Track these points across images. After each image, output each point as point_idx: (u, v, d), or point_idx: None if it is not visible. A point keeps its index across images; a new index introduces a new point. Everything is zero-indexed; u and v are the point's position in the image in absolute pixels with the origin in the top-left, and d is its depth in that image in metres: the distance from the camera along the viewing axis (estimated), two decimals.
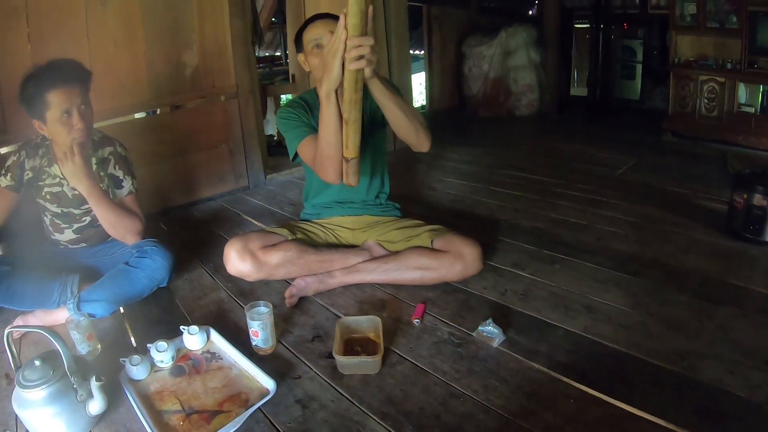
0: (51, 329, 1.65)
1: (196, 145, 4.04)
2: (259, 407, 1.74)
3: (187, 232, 3.54)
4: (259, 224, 3.53)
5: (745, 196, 2.79)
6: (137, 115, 3.97)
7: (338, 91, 2.02)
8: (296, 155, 2.52)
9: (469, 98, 7.37)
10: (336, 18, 2.36)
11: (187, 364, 1.99)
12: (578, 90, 8.04)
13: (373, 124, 2.54)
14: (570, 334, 2.08)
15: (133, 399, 1.78)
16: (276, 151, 4.83)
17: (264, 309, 2.05)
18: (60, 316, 2.29)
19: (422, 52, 7.43)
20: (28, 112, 2.27)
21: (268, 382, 1.82)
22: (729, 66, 4.83)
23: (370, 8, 1.77)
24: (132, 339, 2.15)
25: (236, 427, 1.65)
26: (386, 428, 1.65)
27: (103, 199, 2.37)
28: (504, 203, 3.66)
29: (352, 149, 2.07)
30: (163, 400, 1.81)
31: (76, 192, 2.40)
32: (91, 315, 2.22)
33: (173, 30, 3.74)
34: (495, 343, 2.02)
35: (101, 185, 2.42)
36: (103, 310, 2.33)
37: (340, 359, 1.90)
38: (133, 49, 3.56)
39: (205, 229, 3.55)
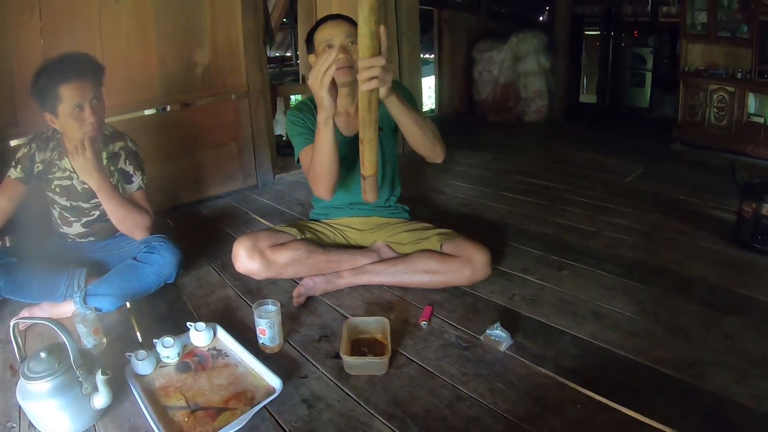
0: (58, 321, 1.65)
1: (205, 143, 4.06)
2: (264, 405, 1.73)
3: (195, 229, 3.54)
4: (267, 223, 3.53)
5: (754, 205, 2.78)
6: (147, 112, 3.99)
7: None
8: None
9: (479, 103, 7.36)
10: (348, 19, 2.38)
11: (193, 361, 1.99)
12: (587, 97, 8.03)
13: (392, 130, 2.55)
14: (577, 340, 2.07)
15: (138, 394, 1.78)
16: (285, 151, 4.82)
17: (272, 307, 2.05)
18: (66, 309, 2.29)
19: (432, 55, 7.43)
20: (39, 104, 2.27)
21: (274, 381, 1.82)
22: (739, 75, 4.80)
23: (382, 28, 1.76)
24: (138, 334, 2.14)
25: (241, 425, 1.64)
26: (392, 429, 1.64)
27: (112, 194, 2.37)
28: (512, 208, 3.65)
29: (368, 167, 2.06)
30: (168, 395, 1.81)
31: (86, 186, 2.40)
32: (97, 309, 2.22)
33: (186, 28, 3.75)
34: (502, 347, 2.01)
35: (111, 180, 2.42)
36: (110, 304, 2.34)
37: (348, 359, 1.90)
38: (146, 46, 3.57)
39: (213, 227, 3.56)
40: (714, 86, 5.02)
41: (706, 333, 2.09)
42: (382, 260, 2.55)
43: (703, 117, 5.16)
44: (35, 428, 1.68)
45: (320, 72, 2.00)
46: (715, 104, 5.03)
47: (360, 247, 2.70)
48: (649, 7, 7.25)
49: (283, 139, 5.46)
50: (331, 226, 2.73)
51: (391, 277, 2.50)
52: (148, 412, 1.68)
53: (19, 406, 1.71)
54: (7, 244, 2.79)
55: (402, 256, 2.54)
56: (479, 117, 7.32)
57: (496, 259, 2.67)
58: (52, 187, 2.48)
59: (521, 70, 6.93)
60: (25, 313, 2.30)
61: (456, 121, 7.09)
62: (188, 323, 2.11)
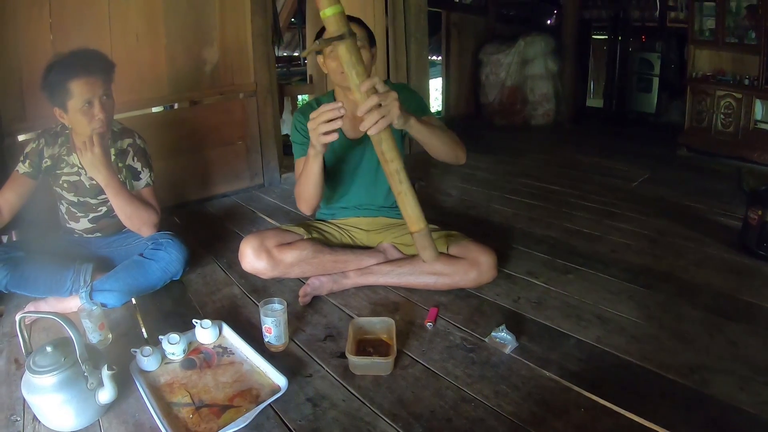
0: (64, 316, 1.65)
1: (212, 141, 4.06)
2: (269, 404, 1.74)
3: (201, 227, 3.55)
4: (273, 222, 3.54)
5: (760, 212, 2.77)
6: (155, 109, 3.99)
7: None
8: None
9: (485, 106, 7.36)
10: (359, 22, 2.37)
11: (198, 358, 1.99)
12: (594, 101, 8.04)
13: (398, 134, 2.55)
14: (582, 344, 2.07)
15: (143, 390, 1.78)
16: (291, 151, 4.82)
17: (278, 306, 2.05)
18: (72, 304, 2.30)
19: (440, 57, 7.43)
20: (49, 99, 2.28)
21: (279, 379, 1.82)
22: (746, 82, 4.79)
23: (367, 82, 1.75)
24: (143, 330, 2.15)
25: (246, 423, 1.64)
26: (396, 429, 1.64)
27: (120, 190, 2.38)
28: (519, 211, 3.65)
29: (414, 221, 1.98)
30: (173, 392, 1.82)
31: (94, 182, 2.41)
32: (103, 304, 2.22)
33: (195, 26, 3.76)
34: (507, 350, 2.01)
35: (119, 176, 2.43)
36: (116, 300, 2.34)
37: (353, 359, 1.90)
38: (155, 44, 3.59)
39: (220, 225, 3.56)
40: (721, 92, 5.01)
41: (711, 339, 2.09)
42: (388, 261, 2.56)
43: (709, 123, 5.14)
44: (39, 422, 1.68)
45: (322, 125, 1.97)
46: (722, 110, 5.01)
47: (366, 248, 2.70)
48: (657, 12, 7.25)
49: (290, 138, 5.45)
50: (338, 226, 2.74)
51: (396, 278, 2.50)
52: (152, 408, 1.68)
53: (24, 400, 1.71)
54: (14, 239, 2.80)
55: (408, 258, 2.54)
56: (486, 120, 7.33)
57: (502, 262, 2.68)
58: (60, 182, 2.49)
59: (528, 73, 6.95)
60: (30, 307, 2.30)
61: (462, 123, 7.08)
62: (194, 320, 2.11)
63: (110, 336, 2.16)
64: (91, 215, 2.57)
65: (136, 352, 1.91)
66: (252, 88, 4.16)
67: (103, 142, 2.31)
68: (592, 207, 3.69)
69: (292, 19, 8.55)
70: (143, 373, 1.89)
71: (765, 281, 2.57)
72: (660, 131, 6.39)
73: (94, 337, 2.09)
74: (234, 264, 2.73)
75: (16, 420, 1.73)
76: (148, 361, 1.90)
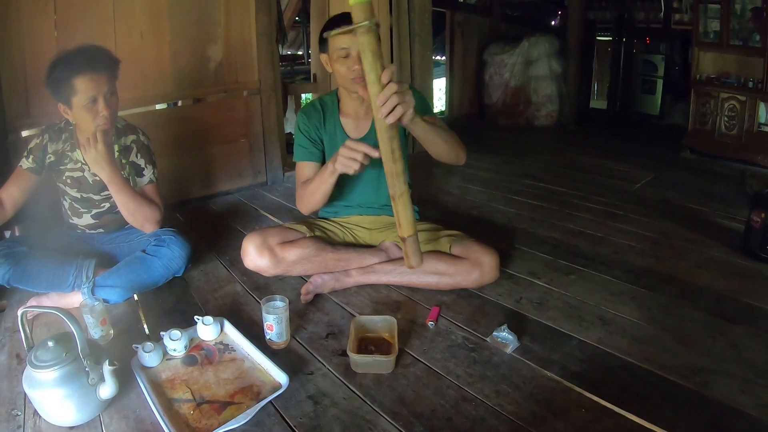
0: (66, 311, 1.65)
1: (216, 138, 4.07)
2: (270, 401, 1.74)
3: (203, 224, 3.55)
4: (276, 220, 3.54)
5: (763, 215, 2.76)
6: (159, 106, 3.99)
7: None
8: None
9: (489, 106, 7.34)
10: None
11: (199, 354, 1.99)
12: (598, 102, 8.03)
13: (401, 133, 2.56)
14: (584, 345, 2.07)
15: (144, 386, 1.78)
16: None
17: (280, 303, 2.05)
18: (74, 299, 2.31)
19: (443, 57, 7.42)
20: (53, 95, 2.28)
21: (280, 376, 1.82)
22: (751, 85, 4.77)
23: (386, 72, 1.72)
24: (145, 326, 2.15)
25: (247, 419, 1.65)
26: (397, 428, 1.64)
27: (123, 187, 2.38)
28: (521, 212, 3.65)
29: (405, 227, 1.95)
30: (174, 388, 1.82)
31: (97, 178, 2.41)
32: (105, 300, 2.23)
33: (199, 23, 3.76)
34: (509, 350, 2.01)
35: (122, 173, 2.43)
36: (118, 296, 2.35)
37: (354, 357, 1.90)
38: (159, 41, 3.59)
39: (222, 223, 3.57)
40: (725, 95, 4.99)
41: (712, 341, 2.09)
42: (390, 260, 2.56)
43: (713, 125, 5.13)
44: (40, 417, 1.69)
45: (353, 161, 2.12)
46: (726, 113, 5.00)
47: (369, 246, 2.70)
48: (662, 13, 7.24)
49: (293, 138, 5.46)
50: (341, 225, 2.74)
51: (398, 277, 2.50)
52: (153, 404, 1.69)
53: (25, 394, 1.71)
54: (17, 234, 2.80)
55: None
56: (489, 120, 7.31)
57: (505, 262, 2.68)
58: (64, 178, 2.49)
59: (532, 74, 6.93)
60: (33, 302, 2.31)
61: (466, 123, 7.06)
62: (196, 317, 2.11)
63: (112, 332, 2.16)
64: (94, 211, 2.57)
65: (137, 347, 1.92)
66: (256, 86, 4.16)
67: (107, 139, 2.31)
68: (594, 208, 3.69)
69: (297, 18, 8.57)
70: (144, 369, 1.89)
71: (767, 284, 2.57)
72: (663, 133, 6.38)
73: (95, 333, 2.10)
74: (236, 261, 2.74)
75: (17, 414, 1.73)
76: (149, 357, 1.90)
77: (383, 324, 2.09)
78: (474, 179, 4.45)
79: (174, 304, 2.46)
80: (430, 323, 2.21)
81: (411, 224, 1.95)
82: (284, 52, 8.64)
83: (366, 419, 1.69)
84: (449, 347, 2.07)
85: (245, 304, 2.45)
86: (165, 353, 1.97)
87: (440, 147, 2.24)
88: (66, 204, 2.59)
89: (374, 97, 1.73)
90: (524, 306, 2.38)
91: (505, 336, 2.04)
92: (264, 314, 2.02)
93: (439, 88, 7.66)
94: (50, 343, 1.64)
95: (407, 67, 5.15)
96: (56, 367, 1.60)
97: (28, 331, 1.72)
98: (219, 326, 2.12)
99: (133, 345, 1.94)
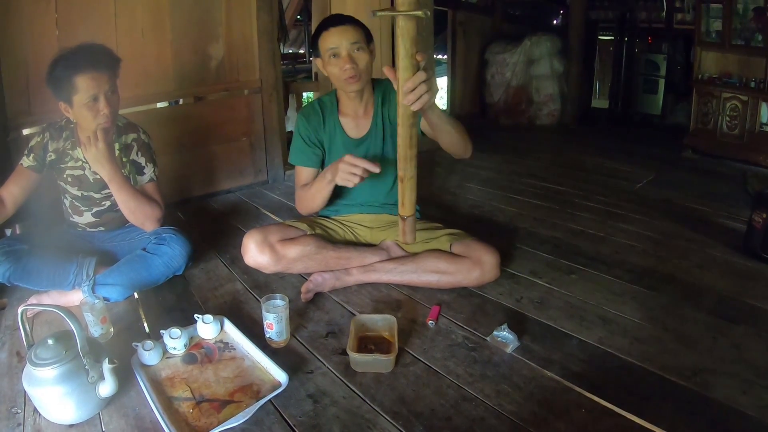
0: (66, 309, 1.65)
1: (217, 137, 4.07)
2: (270, 399, 1.74)
3: (204, 222, 3.55)
4: (277, 218, 3.54)
5: (764, 215, 2.75)
6: (160, 105, 4.00)
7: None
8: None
9: (491, 105, 7.35)
10: (353, 22, 2.36)
11: (199, 353, 1.99)
12: (599, 102, 8.03)
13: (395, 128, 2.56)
14: (584, 345, 2.07)
15: (144, 384, 1.78)
16: None
17: (280, 302, 2.05)
18: (74, 297, 2.31)
19: (445, 56, 7.42)
20: (54, 94, 2.28)
21: (280, 375, 1.82)
22: (752, 85, 4.77)
23: (419, 57, 1.70)
24: (145, 324, 2.15)
25: (246, 418, 1.64)
26: (397, 427, 1.64)
27: (124, 185, 2.38)
28: (523, 211, 3.65)
29: (408, 207, 2.01)
30: (174, 386, 1.82)
31: (98, 176, 2.42)
32: (105, 298, 2.23)
33: (200, 22, 3.76)
34: (509, 349, 2.01)
35: (123, 171, 2.43)
36: (118, 294, 2.35)
37: (354, 356, 1.90)
38: (160, 39, 3.59)
39: (223, 221, 3.57)
40: (727, 95, 4.99)
41: (714, 342, 2.08)
42: (391, 259, 2.56)
43: (715, 125, 5.13)
44: (40, 414, 1.69)
45: (350, 175, 2.21)
46: (728, 113, 5.00)
47: (369, 245, 2.69)
48: (664, 13, 7.23)
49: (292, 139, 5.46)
50: (341, 223, 2.74)
51: (399, 276, 2.50)
52: (153, 403, 1.69)
53: (25, 392, 1.71)
54: (17, 232, 2.80)
55: (411, 256, 2.53)
56: (491, 119, 7.31)
57: (505, 262, 2.67)
58: (64, 176, 2.49)
59: (534, 73, 6.93)
60: (33, 300, 2.31)
61: (468, 123, 6.94)
62: (196, 315, 2.11)
63: (112, 330, 2.16)
64: (95, 209, 2.57)
65: (137, 346, 1.92)
66: (257, 84, 4.16)
67: (108, 137, 2.31)
68: (596, 208, 3.68)
69: (298, 17, 8.57)
70: (144, 367, 1.89)
71: None
72: (665, 133, 6.38)
73: (95, 331, 2.10)
74: (237, 260, 2.74)
75: (17, 412, 1.73)
76: (149, 355, 1.90)
77: (383, 323, 2.09)
78: (475, 178, 4.45)
79: (174, 302, 2.46)
80: (431, 322, 2.21)
81: (413, 205, 2.00)
82: (285, 51, 8.64)
83: (366, 418, 1.69)
84: (449, 346, 2.07)
85: (245, 303, 2.44)
86: (165, 351, 1.97)
87: (452, 136, 2.23)
88: (67, 202, 2.59)
89: (403, 82, 1.72)
90: (525, 305, 2.38)
91: (505, 335, 2.04)
92: (264, 313, 2.02)
93: (441, 87, 7.65)
94: (50, 341, 1.64)
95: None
96: (56, 365, 1.60)
97: (28, 329, 1.72)
98: (219, 325, 2.11)
99: (133, 343, 1.94)
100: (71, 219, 2.62)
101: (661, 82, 7.16)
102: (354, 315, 2.26)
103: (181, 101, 4.11)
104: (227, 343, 2.06)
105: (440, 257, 2.44)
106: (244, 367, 1.93)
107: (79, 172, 2.49)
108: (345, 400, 1.77)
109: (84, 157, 2.44)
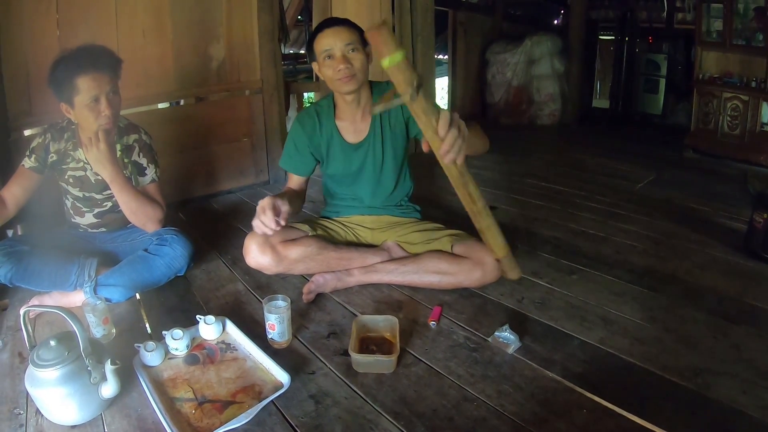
0: (68, 310, 1.66)
1: (218, 137, 4.07)
2: (272, 400, 1.74)
3: (206, 223, 3.56)
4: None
5: (765, 215, 2.75)
6: (161, 105, 3.99)
7: None
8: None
9: (491, 105, 7.35)
10: (347, 24, 2.36)
11: (201, 353, 2.00)
12: (600, 102, 8.01)
13: (402, 136, 2.56)
14: (585, 345, 2.07)
15: (146, 385, 1.78)
16: None
17: (282, 303, 2.05)
18: (76, 298, 2.31)
19: (446, 56, 7.42)
20: (56, 95, 2.28)
21: (282, 376, 1.82)
22: (753, 84, 4.77)
23: (444, 123, 1.68)
24: (147, 325, 2.15)
25: (248, 419, 1.65)
26: (398, 428, 1.64)
27: (125, 186, 2.39)
28: (524, 211, 3.65)
29: (497, 250, 2.22)
30: (176, 387, 1.82)
31: (99, 177, 2.42)
32: (107, 299, 2.23)
33: (201, 22, 3.77)
34: (510, 350, 2.01)
35: (125, 172, 2.43)
36: (120, 295, 2.35)
37: (356, 357, 1.90)
38: (161, 40, 3.59)
39: (224, 222, 3.57)
40: (728, 94, 4.99)
41: (714, 342, 2.08)
42: (392, 259, 2.55)
43: (716, 125, 5.13)
44: (42, 415, 1.69)
45: (257, 221, 2.14)
46: (729, 113, 5.00)
47: (371, 246, 2.69)
48: (665, 13, 7.22)
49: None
50: (343, 224, 2.74)
51: (400, 277, 2.50)
52: (155, 403, 1.69)
53: (27, 393, 1.71)
54: (19, 233, 2.80)
55: (412, 256, 2.53)
56: (491, 119, 7.31)
57: None
58: (66, 177, 2.49)
59: (535, 73, 6.93)
60: (35, 301, 2.31)
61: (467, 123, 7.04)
62: (198, 316, 2.11)
63: (114, 331, 2.17)
64: (96, 210, 2.58)
65: (139, 347, 1.92)
66: (258, 85, 4.16)
67: (109, 138, 2.31)
68: (597, 208, 3.69)
69: (299, 17, 8.55)
70: (146, 368, 1.89)
71: None
72: (666, 133, 6.38)
73: (97, 332, 2.10)
74: (238, 260, 2.74)
75: (19, 413, 1.73)
76: (151, 356, 1.90)
77: (385, 323, 2.09)
78: (476, 178, 4.32)
79: (176, 303, 2.46)
80: (432, 323, 2.21)
81: (502, 247, 2.19)
82: (286, 51, 8.62)
83: (367, 419, 1.69)
84: (451, 347, 2.07)
85: (247, 304, 2.45)
86: (167, 352, 1.97)
87: (477, 144, 2.25)
88: (68, 203, 2.59)
89: (437, 150, 1.72)
90: (526, 306, 2.38)
91: (506, 336, 2.04)
92: (266, 313, 2.03)
93: (442, 87, 7.66)
94: (52, 342, 1.65)
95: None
96: (58, 366, 1.60)
97: (30, 330, 1.72)
98: (221, 325, 2.12)
99: (135, 344, 1.94)
100: (73, 220, 2.62)
101: (662, 82, 7.15)
102: (355, 316, 2.27)
103: (182, 102, 4.11)
104: (229, 344, 2.06)
105: (441, 258, 2.44)
106: (246, 367, 1.93)
107: (80, 173, 2.49)
108: (347, 401, 1.77)
109: (85, 158, 2.44)
